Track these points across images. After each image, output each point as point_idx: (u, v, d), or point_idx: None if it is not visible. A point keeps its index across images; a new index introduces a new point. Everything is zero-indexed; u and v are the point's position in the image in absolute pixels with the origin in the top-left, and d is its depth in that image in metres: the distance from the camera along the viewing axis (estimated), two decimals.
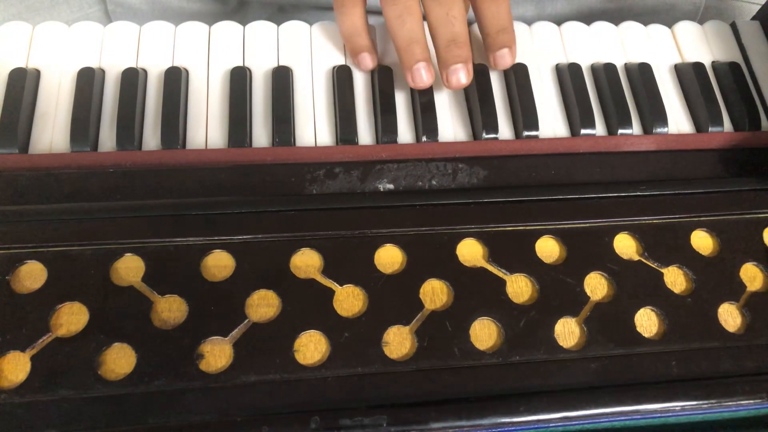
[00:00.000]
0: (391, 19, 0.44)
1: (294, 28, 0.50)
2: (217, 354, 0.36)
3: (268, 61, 0.49)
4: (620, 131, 0.47)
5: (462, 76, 0.44)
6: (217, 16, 0.64)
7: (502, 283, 0.40)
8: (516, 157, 0.45)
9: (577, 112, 0.47)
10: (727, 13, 0.68)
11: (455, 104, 0.48)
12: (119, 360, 0.36)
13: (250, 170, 0.43)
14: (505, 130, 0.47)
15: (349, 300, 0.39)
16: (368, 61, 0.47)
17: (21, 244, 0.38)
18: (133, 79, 0.45)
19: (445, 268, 0.40)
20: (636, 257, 0.42)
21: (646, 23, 0.54)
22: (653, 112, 0.48)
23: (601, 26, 0.54)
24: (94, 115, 0.44)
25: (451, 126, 0.47)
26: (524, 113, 0.47)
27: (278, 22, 0.50)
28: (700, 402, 0.37)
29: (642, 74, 0.50)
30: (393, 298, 0.38)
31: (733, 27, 0.54)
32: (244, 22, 0.50)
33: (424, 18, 0.45)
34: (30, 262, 0.38)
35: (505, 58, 0.47)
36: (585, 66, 0.51)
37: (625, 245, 0.42)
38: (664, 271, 0.41)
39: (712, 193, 0.44)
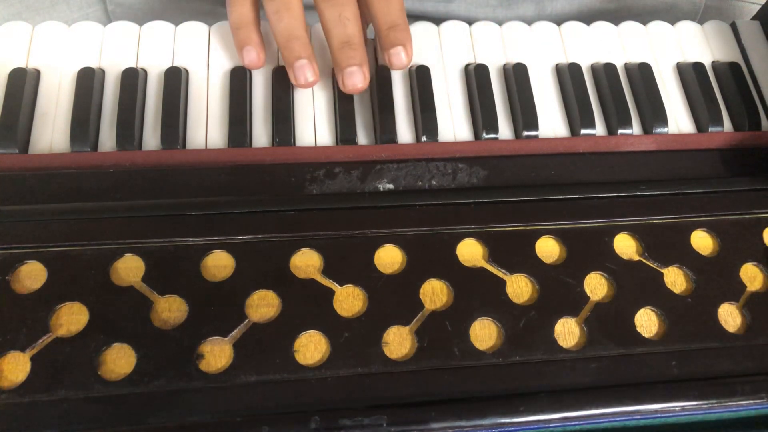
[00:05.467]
0: (270, 14, 0.43)
1: None
2: (217, 354, 0.36)
3: (268, 61, 0.49)
4: (620, 131, 0.47)
5: (357, 79, 0.43)
6: (217, 15, 0.64)
7: (502, 283, 0.40)
8: (516, 157, 0.45)
9: (577, 112, 0.47)
10: (727, 13, 0.68)
11: (455, 104, 0.48)
12: (119, 360, 0.36)
13: (250, 170, 0.43)
14: (505, 130, 0.47)
15: (349, 300, 0.39)
16: (253, 55, 0.45)
17: (21, 244, 0.38)
18: (133, 79, 0.45)
19: (445, 268, 0.40)
20: (636, 257, 0.42)
21: (645, 23, 0.54)
22: (653, 112, 0.48)
23: (601, 26, 0.54)
24: (94, 115, 0.44)
25: (450, 126, 0.47)
26: (524, 113, 0.47)
27: None
28: (700, 402, 0.37)
29: (642, 74, 0.50)
30: (393, 298, 0.38)
31: (733, 27, 0.54)
32: None
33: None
34: (30, 262, 0.38)
35: (399, 56, 0.44)
36: (585, 66, 0.50)
37: (625, 245, 0.42)
38: (664, 271, 0.41)
39: (712, 193, 0.44)
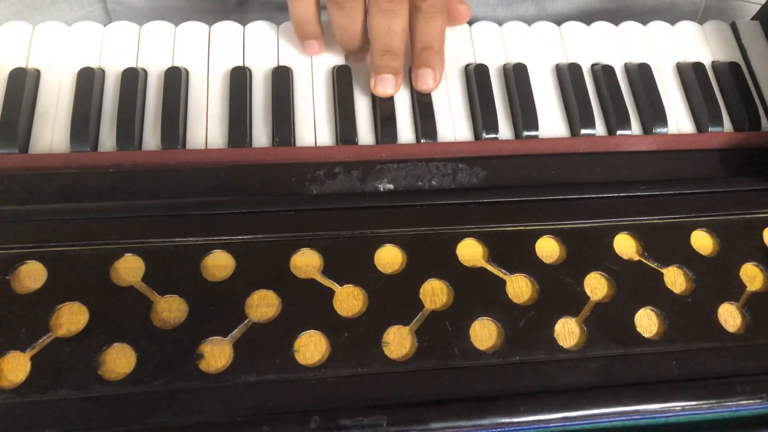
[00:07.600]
0: (338, 25, 0.46)
1: None
2: (217, 354, 0.36)
3: (268, 61, 0.49)
4: (620, 131, 0.47)
5: (389, 86, 0.45)
6: (217, 15, 0.64)
7: (502, 283, 0.40)
8: (516, 157, 0.45)
9: (576, 112, 0.47)
10: (727, 13, 0.68)
11: (455, 104, 0.48)
12: (119, 360, 0.36)
13: (250, 170, 0.43)
14: (505, 130, 0.47)
15: (349, 300, 0.39)
16: (315, 47, 0.49)
17: (21, 244, 0.38)
18: (133, 79, 0.45)
19: (445, 268, 0.40)
20: (636, 257, 0.42)
21: (645, 23, 0.54)
22: (653, 112, 0.48)
23: (601, 26, 0.54)
24: (94, 115, 0.44)
25: (450, 126, 0.47)
26: (524, 113, 0.47)
27: (278, 22, 0.51)
28: (700, 402, 0.37)
29: (642, 74, 0.50)
30: (393, 298, 0.38)
31: (733, 27, 0.54)
32: (243, 22, 0.50)
33: None
34: (30, 262, 0.38)
35: (426, 78, 0.46)
36: (585, 66, 0.50)
37: (625, 245, 0.42)
38: (664, 271, 0.41)
39: (712, 193, 0.44)
